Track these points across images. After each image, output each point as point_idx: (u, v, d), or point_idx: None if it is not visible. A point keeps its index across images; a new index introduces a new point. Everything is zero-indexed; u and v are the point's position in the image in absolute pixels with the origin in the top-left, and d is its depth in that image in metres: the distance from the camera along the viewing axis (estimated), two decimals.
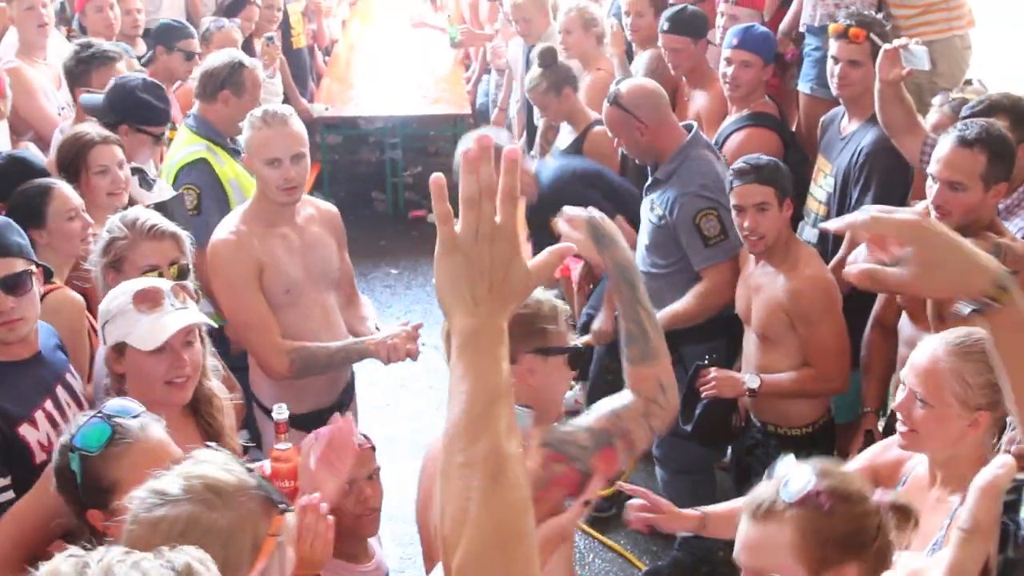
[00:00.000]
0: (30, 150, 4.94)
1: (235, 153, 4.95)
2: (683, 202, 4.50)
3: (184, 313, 3.02)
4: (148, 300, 2.97)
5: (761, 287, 4.17)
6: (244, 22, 6.99)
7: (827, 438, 4.27)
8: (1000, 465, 1.06)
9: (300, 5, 9.06)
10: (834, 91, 4.65)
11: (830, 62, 4.59)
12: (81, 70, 5.08)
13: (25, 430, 3.06)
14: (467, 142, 1.71)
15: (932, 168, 3.64)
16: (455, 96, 9.79)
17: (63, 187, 3.84)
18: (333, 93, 9.72)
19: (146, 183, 4.60)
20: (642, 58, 5.97)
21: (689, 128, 4.70)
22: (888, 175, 4.36)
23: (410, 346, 4.06)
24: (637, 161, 4.79)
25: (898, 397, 2.87)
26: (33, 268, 3.16)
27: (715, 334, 4.58)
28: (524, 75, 7.12)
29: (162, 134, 4.85)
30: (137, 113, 4.68)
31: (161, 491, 1.98)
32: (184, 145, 4.99)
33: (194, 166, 4.88)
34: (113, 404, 2.60)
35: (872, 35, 4.45)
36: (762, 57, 4.96)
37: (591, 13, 6.34)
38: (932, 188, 3.62)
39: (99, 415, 2.54)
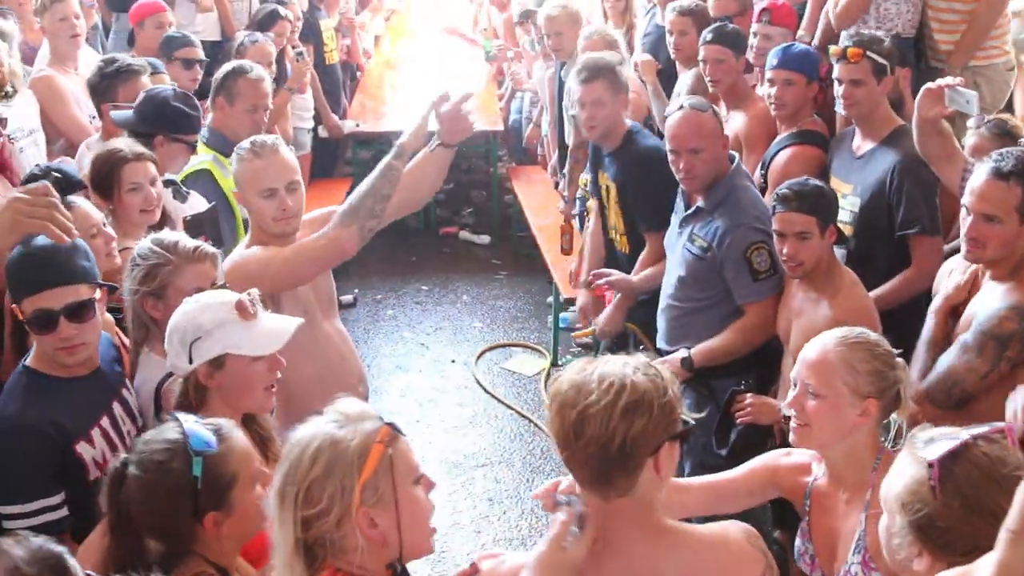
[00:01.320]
0: (66, 163, 4.95)
1: None
2: (735, 234, 4.36)
3: (283, 318, 3.14)
4: (246, 309, 3.02)
5: (803, 312, 4.10)
6: (276, 37, 7.01)
7: None
8: None
9: (333, 21, 9.10)
10: (841, 112, 4.63)
11: (836, 84, 4.56)
12: (106, 85, 5.08)
13: (82, 447, 3.08)
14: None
15: (966, 199, 3.57)
16: (488, 113, 9.79)
17: (83, 204, 3.80)
18: (366, 109, 9.75)
19: (180, 195, 4.60)
20: (686, 78, 5.93)
21: (731, 159, 4.66)
22: (924, 189, 4.32)
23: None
24: (685, 189, 4.68)
25: (789, 396, 3.01)
26: (96, 294, 3.14)
27: (747, 367, 4.47)
28: (557, 94, 7.15)
29: (196, 142, 4.85)
30: (172, 123, 4.68)
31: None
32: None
33: (198, 177, 4.86)
34: (177, 415, 2.64)
35: (870, 53, 4.42)
36: (805, 75, 4.89)
37: (612, 36, 6.33)
38: (966, 220, 3.56)
39: (173, 421, 2.58)
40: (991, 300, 3.49)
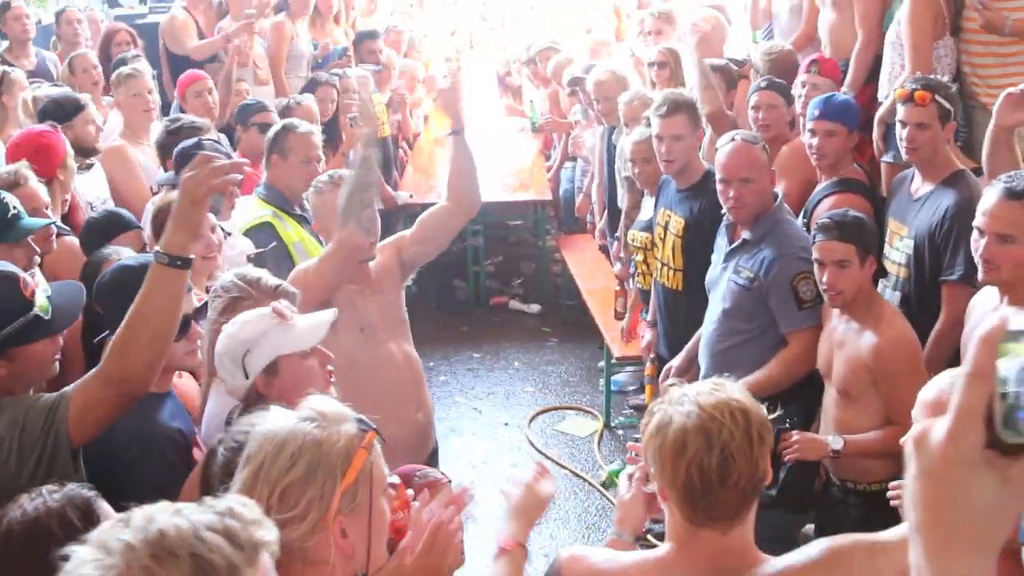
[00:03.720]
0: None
1: (302, 220, 5.09)
2: (782, 263, 4.47)
3: (318, 312, 3.24)
4: (283, 313, 3.12)
5: (844, 343, 4.14)
6: (319, 102, 7.16)
7: None
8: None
9: (384, 96, 9.30)
10: (904, 155, 4.65)
11: (898, 126, 4.58)
12: (171, 142, 5.28)
13: (196, 453, 3.25)
14: None
15: (978, 221, 3.62)
16: (536, 184, 9.93)
17: (122, 254, 4.01)
18: (417, 182, 9.91)
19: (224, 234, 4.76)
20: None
21: (775, 196, 4.73)
22: (970, 236, 4.34)
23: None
24: (733, 219, 4.73)
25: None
26: None
27: (790, 399, 4.49)
28: (606, 157, 7.25)
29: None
30: None
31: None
32: (251, 210, 5.13)
33: (261, 229, 4.98)
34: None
35: (938, 97, 4.45)
36: (846, 125, 4.96)
37: (622, 73, 6.48)
38: (980, 242, 3.60)
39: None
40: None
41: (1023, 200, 3.50)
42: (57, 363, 3.17)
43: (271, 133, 5.40)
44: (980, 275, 3.61)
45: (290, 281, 3.94)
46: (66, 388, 2.95)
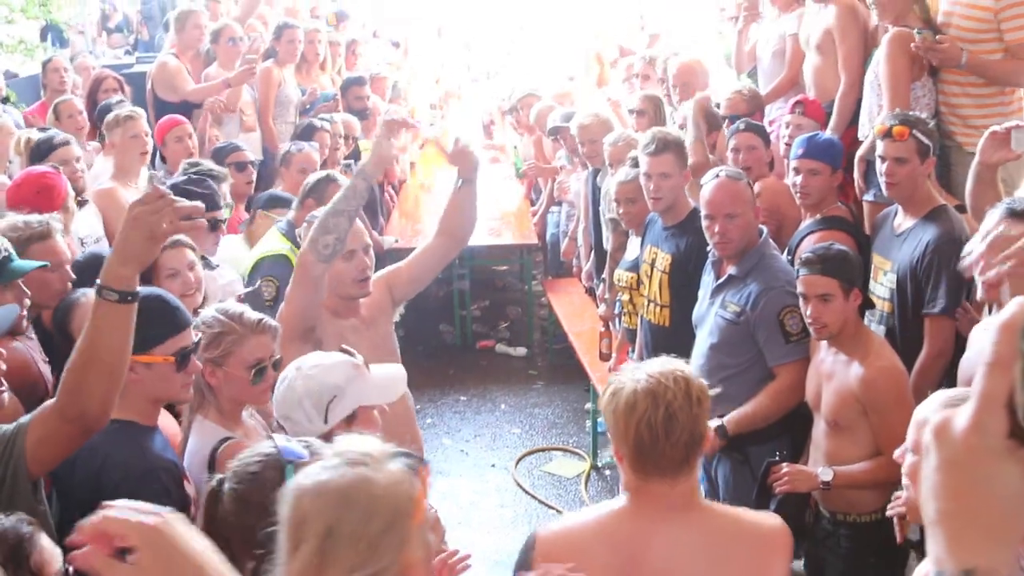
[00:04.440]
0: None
1: None
2: (768, 297, 4.52)
3: (384, 365, 3.35)
4: (361, 365, 3.22)
5: (833, 374, 4.19)
6: (318, 147, 7.25)
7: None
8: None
9: (370, 142, 9.35)
10: (884, 191, 4.72)
11: (878, 162, 4.66)
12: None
13: (187, 486, 3.30)
14: None
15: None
16: (522, 228, 9.98)
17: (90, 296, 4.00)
18: (402, 227, 9.96)
19: (208, 265, 4.84)
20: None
21: (760, 231, 4.79)
22: (956, 270, 4.39)
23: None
24: (719, 254, 4.79)
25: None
26: None
27: (780, 431, 4.57)
28: (591, 199, 7.31)
29: (215, 220, 5.04)
30: None
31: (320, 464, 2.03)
32: (271, 241, 5.25)
33: (277, 260, 5.10)
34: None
35: (916, 132, 4.53)
36: (829, 164, 5.03)
37: (637, 140, 6.53)
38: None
39: (271, 441, 2.62)
40: None
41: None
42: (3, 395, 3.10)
43: (312, 179, 5.60)
44: (979, 295, 3.64)
45: (280, 313, 4.05)
46: (23, 419, 2.88)
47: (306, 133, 7.53)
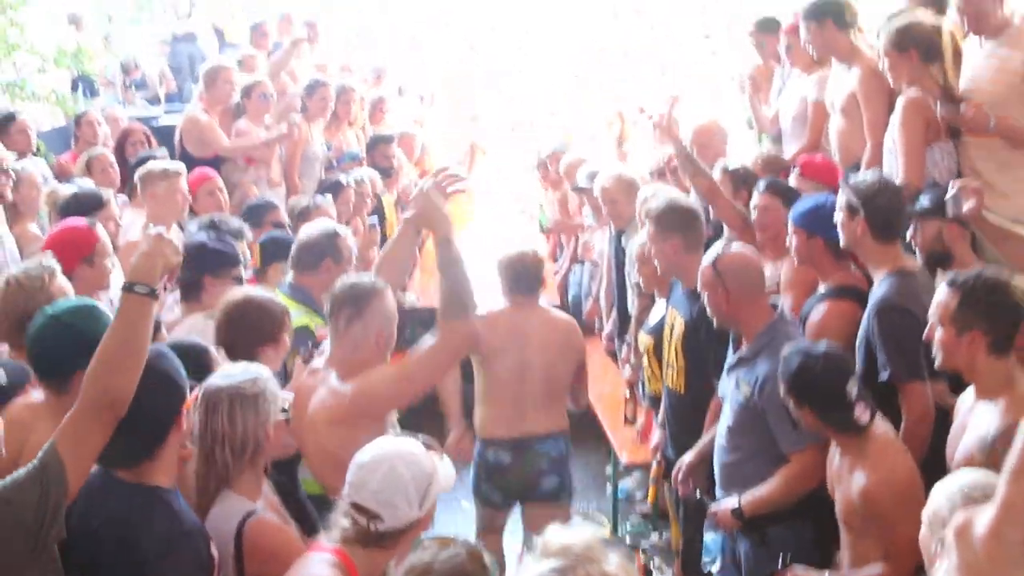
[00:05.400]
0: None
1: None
2: (774, 383, 4.31)
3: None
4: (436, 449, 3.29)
5: (841, 478, 4.06)
6: (341, 205, 7.24)
7: None
8: None
9: (393, 196, 9.38)
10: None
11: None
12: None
13: (213, 547, 3.32)
14: None
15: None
16: (545, 288, 9.90)
17: None
18: (424, 284, 9.90)
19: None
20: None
21: (774, 306, 4.70)
22: (896, 333, 4.35)
23: None
24: (715, 324, 4.76)
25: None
26: None
27: (802, 515, 4.43)
28: (615, 260, 7.26)
29: (240, 276, 5.09)
30: (213, 263, 5.02)
31: None
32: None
33: (298, 333, 4.86)
34: None
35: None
36: (804, 229, 4.88)
37: (628, 176, 6.53)
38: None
39: None
40: (983, 422, 3.59)
41: (952, 287, 3.69)
42: None
43: (324, 237, 5.52)
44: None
45: (381, 388, 4.12)
46: (44, 447, 2.96)
47: (333, 189, 7.53)
